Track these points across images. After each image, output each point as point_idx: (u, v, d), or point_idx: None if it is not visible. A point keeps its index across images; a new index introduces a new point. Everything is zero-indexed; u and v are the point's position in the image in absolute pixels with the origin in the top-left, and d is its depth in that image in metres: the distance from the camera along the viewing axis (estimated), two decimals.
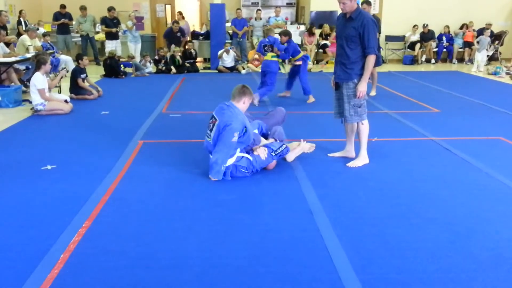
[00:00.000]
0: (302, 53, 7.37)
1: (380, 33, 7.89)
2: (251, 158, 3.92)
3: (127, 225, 3.04)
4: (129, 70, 10.51)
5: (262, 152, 3.95)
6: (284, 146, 4.08)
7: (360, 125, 4.24)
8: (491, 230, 3.00)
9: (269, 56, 7.27)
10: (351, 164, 4.25)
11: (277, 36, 7.59)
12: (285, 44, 7.26)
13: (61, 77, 7.33)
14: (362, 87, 4.05)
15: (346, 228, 3.01)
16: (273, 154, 3.99)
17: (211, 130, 3.87)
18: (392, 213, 3.25)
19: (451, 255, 2.68)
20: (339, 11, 4.16)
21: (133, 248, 2.73)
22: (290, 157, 4.26)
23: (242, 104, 3.95)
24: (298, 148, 4.33)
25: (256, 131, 4.18)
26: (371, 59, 4.00)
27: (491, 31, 12.80)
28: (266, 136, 4.38)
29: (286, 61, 8.38)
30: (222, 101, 4.05)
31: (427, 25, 12.93)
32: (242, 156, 3.91)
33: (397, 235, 2.92)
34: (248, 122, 3.91)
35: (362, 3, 6.69)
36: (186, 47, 11.20)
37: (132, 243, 2.79)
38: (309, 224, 3.06)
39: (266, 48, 7.34)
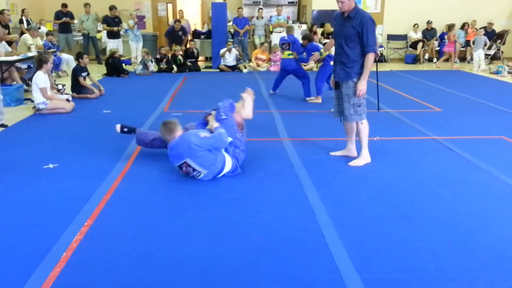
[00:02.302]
0: (325, 54, 6.73)
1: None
2: (231, 139, 3.93)
3: (128, 224, 3.04)
4: (129, 68, 10.51)
5: (212, 122, 4.00)
6: (220, 103, 4.10)
7: (360, 124, 4.24)
8: (492, 229, 3.00)
9: (286, 54, 7.31)
10: (352, 163, 4.25)
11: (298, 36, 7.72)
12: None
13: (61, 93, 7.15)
14: (362, 86, 4.05)
15: (347, 227, 3.01)
16: (222, 114, 4.00)
17: (194, 170, 3.73)
18: (393, 213, 3.25)
19: (452, 255, 2.67)
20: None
21: (135, 247, 2.74)
22: (247, 114, 4.31)
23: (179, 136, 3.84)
24: (246, 102, 4.35)
25: (205, 133, 3.94)
26: (370, 57, 4.00)
27: (493, 30, 12.78)
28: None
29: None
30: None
31: (431, 21, 12.92)
32: (227, 149, 3.91)
33: (398, 234, 2.92)
34: (198, 133, 3.79)
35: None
36: (188, 46, 11.19)
37: (134, 242, 2.79)
38: (311, 224, 3.06)
39: (284, 46, 7.40)
